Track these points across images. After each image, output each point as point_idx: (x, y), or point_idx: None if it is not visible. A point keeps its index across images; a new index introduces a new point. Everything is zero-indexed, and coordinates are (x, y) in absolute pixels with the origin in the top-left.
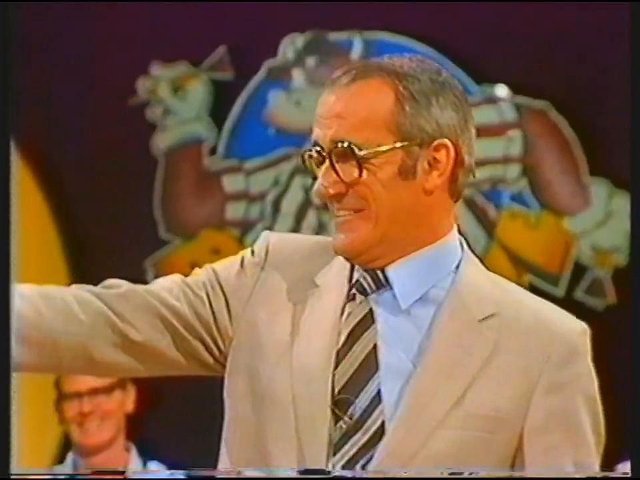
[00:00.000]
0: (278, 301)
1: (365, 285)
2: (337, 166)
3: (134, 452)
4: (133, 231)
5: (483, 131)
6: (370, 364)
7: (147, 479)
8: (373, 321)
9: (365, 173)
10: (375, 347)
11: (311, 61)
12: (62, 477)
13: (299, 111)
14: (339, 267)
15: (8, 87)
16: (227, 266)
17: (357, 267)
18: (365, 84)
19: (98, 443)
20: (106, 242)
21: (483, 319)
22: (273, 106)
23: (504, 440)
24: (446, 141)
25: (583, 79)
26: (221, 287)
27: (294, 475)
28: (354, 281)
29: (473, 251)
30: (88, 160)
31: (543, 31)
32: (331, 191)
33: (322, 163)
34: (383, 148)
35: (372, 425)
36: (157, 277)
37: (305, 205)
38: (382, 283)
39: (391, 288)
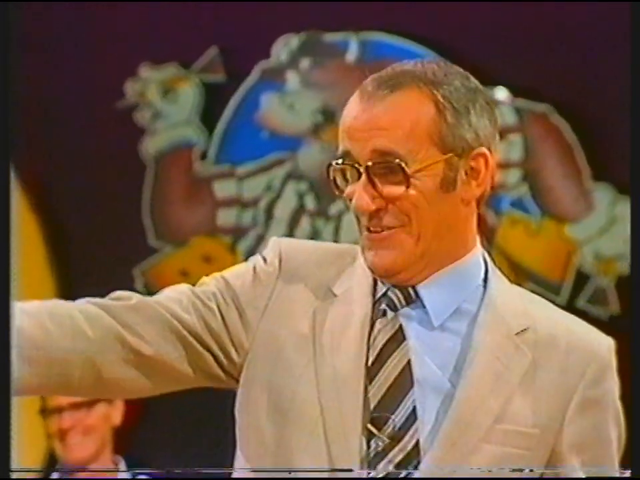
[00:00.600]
0: (295, 310)
1: (395, 301)
2: (376, 180)
3: (122, 466)
4: (121, 238)
5: None
6: (405, 380)
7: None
8: (404, 337)
9: (410, 188)
10: (408, 362)
11: (305, 63)
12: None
13: (293, 114)
14: (359, 277)
15: (8, 88)
16: (238, 275)
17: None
18: (403, 95)
19: (80, 458)
20: (93, 249)
21: (519, 333)
22: (266, 109)
23: (538, 457)
24: (484, 149)
25: (585, 80)
26: (234, 298)
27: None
28: (380, 294)
29: (494, 262)
30: (75, 164)
31: (543, 31)
32: (372, 207)
33: (357, 177)
34: (429, 161)
35: (408, 443)
36: (146, 285)
37: (299, 210)
38: (412, 299)
39: (422, 304)
